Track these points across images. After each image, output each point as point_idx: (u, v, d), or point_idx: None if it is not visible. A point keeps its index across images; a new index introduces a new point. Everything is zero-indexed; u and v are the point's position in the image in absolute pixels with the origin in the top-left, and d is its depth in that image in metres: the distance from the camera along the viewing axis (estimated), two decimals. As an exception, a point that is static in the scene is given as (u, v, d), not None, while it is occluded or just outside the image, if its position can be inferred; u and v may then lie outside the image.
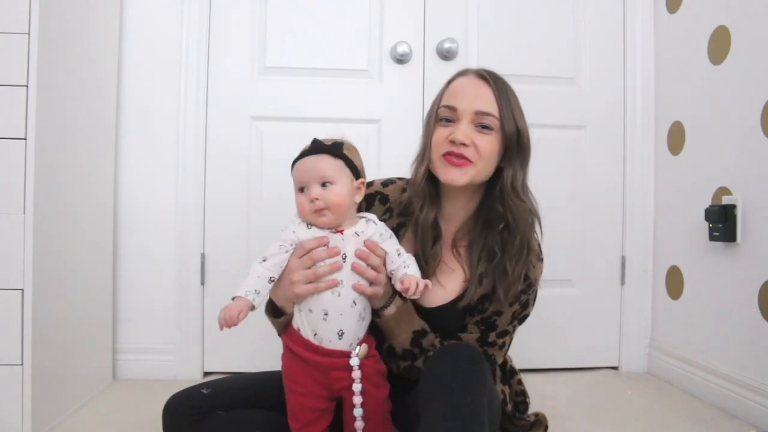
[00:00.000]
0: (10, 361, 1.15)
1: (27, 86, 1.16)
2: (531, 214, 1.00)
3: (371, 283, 0.92)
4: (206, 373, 1.70)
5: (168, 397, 1.03)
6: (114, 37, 1.62)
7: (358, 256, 0.91)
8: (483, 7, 1.76)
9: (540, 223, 1.02)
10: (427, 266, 1.00)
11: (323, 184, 0.89)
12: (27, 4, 1.15)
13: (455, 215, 1.04)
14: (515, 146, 0.99)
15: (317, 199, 0.88)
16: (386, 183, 1.11)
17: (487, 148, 0.96)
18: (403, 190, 1.08)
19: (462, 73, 1.03)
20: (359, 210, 1.00)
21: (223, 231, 1.70)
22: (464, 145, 0.95)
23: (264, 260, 0.91)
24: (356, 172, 0.93)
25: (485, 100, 0.97)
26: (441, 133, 0.98)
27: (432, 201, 1.01)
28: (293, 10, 1.71)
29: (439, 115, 0.99)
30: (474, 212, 1.04)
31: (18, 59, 1.15)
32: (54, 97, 1.25)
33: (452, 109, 0.98)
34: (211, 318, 1.70)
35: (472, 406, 0.78)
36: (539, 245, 1.03)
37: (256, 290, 0.88)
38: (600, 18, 1.80)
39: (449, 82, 1.04)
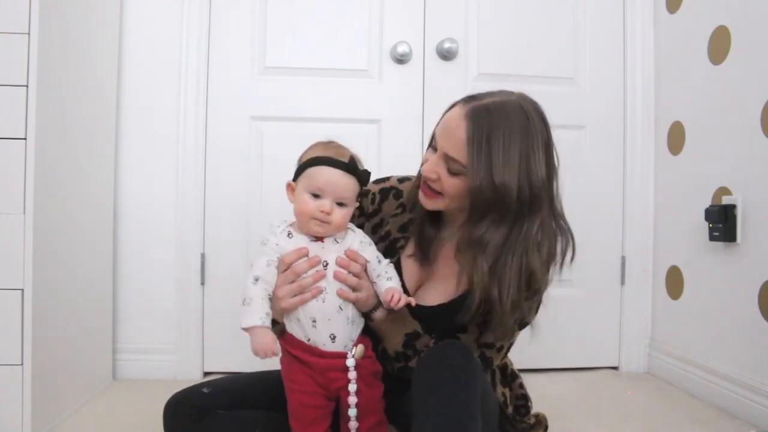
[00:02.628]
0: (10, 361, 1.15)
1: (27, 86, 1.15)
2: (507, 285, 0.88)
3: (354, 290, 0.92)
4: (206, 373, 1.70)
5: (168, 397, 1.03)
6: (114, 37, 1.62)
7: (339, 264, 0.92)
8: (483, 7, 1.76)
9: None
10: (426, 250, 1.01)
11: (338, 202, 0.90)
12: (27, 4, 1.15)
13: (455, 220, 1.03)
14: (490, 203, 0.87)
15: (329, 213, 0.89)
16: (402, 179, 1.11)
17: (451, 188, 0.92)
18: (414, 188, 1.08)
19: (459, 102, 0.94)
20: (372, 202, 1.07)
21: (223, 231, 1.70)
22: (430, 178, 0.93)
23: (257, 280, 0.90)
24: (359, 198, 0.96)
25: (455, 144, 0.88)
26: (425, 157, 0.97)
27: None
28: (293, 10, 1.71)
29: (433, 138, 0.97)
30: None
31: (18, 59, 1.15)
32: (54, 97, 1.25)
33: (434, 140, 0.96)
34: (211, 318, 1.70)
35: (464, 402, 0.78)
36: (552, 252, 0.94)
37: (267, 313, 0.88)
38: (600, 18, 1.80)
39: (452, 106, 0.96)
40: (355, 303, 0.94)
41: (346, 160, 0.90)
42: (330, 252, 0.92)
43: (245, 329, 0.86)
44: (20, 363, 1.15)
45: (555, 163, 0.94)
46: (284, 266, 0.91)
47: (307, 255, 0.91)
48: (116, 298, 1.66)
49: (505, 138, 0.86)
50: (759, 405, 1.31)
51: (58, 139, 1.29)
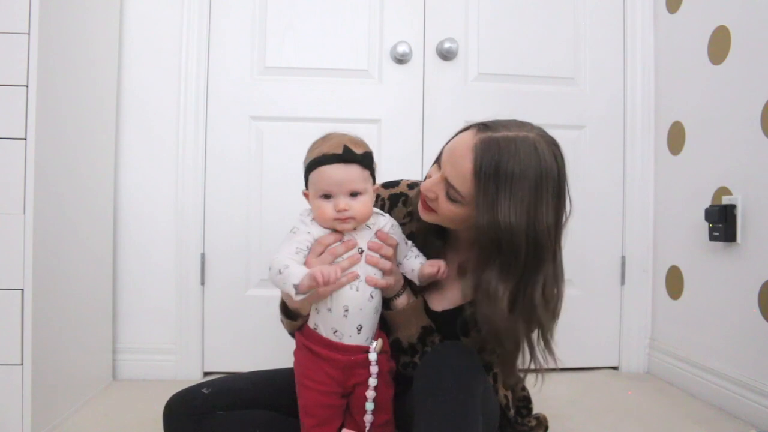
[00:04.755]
0: (10, 361, 1.15)
1: (27, 86, 1.15)
2: (514, 334, 0.86)
3: (384, 274, 0.93)
4: (206, 373, 1.70)
5: (168, 397, 1.03)
6: (114, 37, 1.62)
7: (371, 248, 0.92)
8: (483, 7, 1.76)
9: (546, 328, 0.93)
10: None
11: (352, 194, 0.89)
12: (27, 4, 1.15)
13: (461, 234, 1.02)
14: (495, 247, 0.83)
15: (346, 210, 0.88)
16: (412, 185, 1.10)
17: (447, 212, 0.90)
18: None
19: (472, 127, 0.88)
20: (382, 208, 1.04)
21: (223, 231, 1.70)
22: (429, 197, 0.92)
23: (286, 267, 0.83)
24: (374, 178, 0.94)
25: (458, 173, 0.85)
26: (429, 172, 0.96)
27: None
28: (293, 9, 1.71)
29: (439, 156, 0.95)
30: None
31: (18, 59, 1.15)
32: (54, 97, 1.25)
33: (440, 163, 0.92)
34: (211, 318, 1.70)
35: (464, 403, 0.78)
36: (555, 301, 0.93)
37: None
38: (600, 18, 1.80)
39: (463, 130, 0.91)
40: (384, 288, 0.94)
41: (340, 150, 0.88)
42: (362, 236, 0.93)
43: (295, 285, 0.80)
44: (20, 363, 1.15)
45: (565, 210, 0.88)
46: (321, 248, 0.90)
47: (341, 239, 0.91)
48: (116, 298, 1.66)
49: (514, 178, 0.81)
50: (759, 405, 1.31)
51: (58, 139, 1.29)
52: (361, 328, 0.91)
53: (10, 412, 1.15)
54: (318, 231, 0.92)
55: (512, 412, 1.07)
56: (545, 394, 1.50)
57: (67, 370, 1.34)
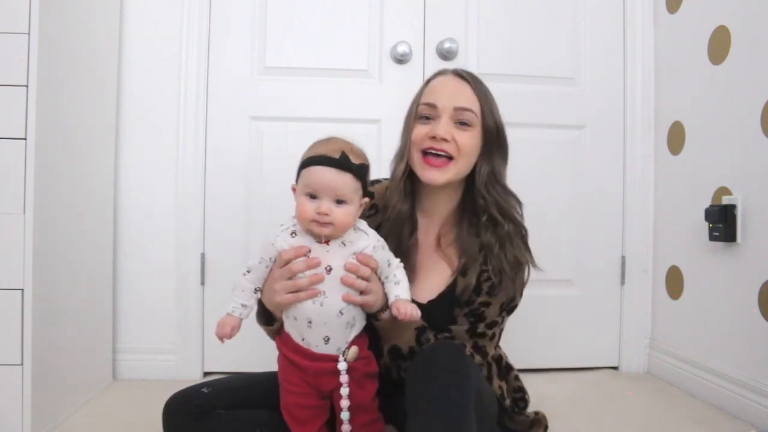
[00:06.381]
0: (10, 361, 1.15)
1: (27, 86, 1.15)
2: (518, 203, 1.06)
3: (362, 293, 0.91)
4: (206, 373, 1.70)
5: (168, 397, 1.03)
6: (114, 37, 1.62)
7: (348, 269, 0.90)
8: (483, 7, 1.76)
9: (522, 214, 1.07)
10: (407, 258, 1.01)
11: (336, 201, 0.87)
12: (27, 4, 1.15)
13: (436, 211, 1.07)
14: (496, 141, 1.04)
15: (327, 214, 0.86)
16: (372, 182, 1.11)
17: (467, 143, 1.00)
18: (387, 188, 1.10)
19: (440, 73, 1.08)
20: None
21: (223, 231, 1.70)
22: (444, 140, 0.98)
23: (248, 272, 0.94)
24: (365, 191, 0.93)
25: (464, 96, 1.02)
26: (420, 129, 1.02)
27: (407, 195, 1.05)
28: (293, 9, 1.71)
29: (419, 113, 1.03)
30: (456, 207, 1.07)
31: (18, 59, 1.15)
32: (54, 97, 1.25)
33: (432, 106, 1.01)
34: (211, 318, 1.69)
35: (457, 403, 0.78)
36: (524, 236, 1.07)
37: (242, 305, 0.94)
38: (600, 18, 1.80)
39: (428, 82, 1.08)
40: (362, 306, 0.92)
41: (337, 155, 0.87)
42: (335, 256, 0.90)
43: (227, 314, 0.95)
44: (20, 363, 1.15)
45: None
46: (282, 263, 0.90)
47: (306, 254, 0.89)
48: (116, 298, 1.66)
49: (490, 93, 1.06)
50: (759, 405, 1.31)
51: (58, 139, 1.29)
52: (328, 339, 0.90)
53: (10, 412, 1.15)
54: (282, 243, 0.91)
55: (508, 402, 1.07)
56: (545, 394, 1.51)
57: (67, 370, 1.34)
